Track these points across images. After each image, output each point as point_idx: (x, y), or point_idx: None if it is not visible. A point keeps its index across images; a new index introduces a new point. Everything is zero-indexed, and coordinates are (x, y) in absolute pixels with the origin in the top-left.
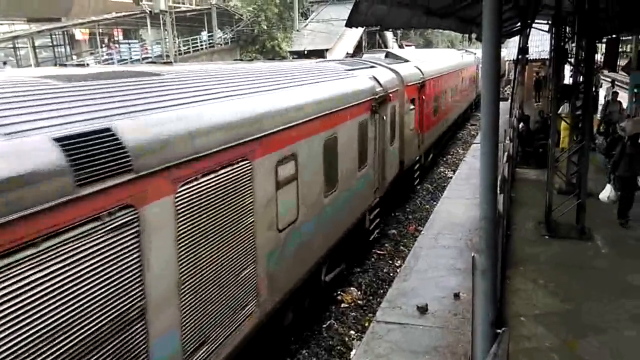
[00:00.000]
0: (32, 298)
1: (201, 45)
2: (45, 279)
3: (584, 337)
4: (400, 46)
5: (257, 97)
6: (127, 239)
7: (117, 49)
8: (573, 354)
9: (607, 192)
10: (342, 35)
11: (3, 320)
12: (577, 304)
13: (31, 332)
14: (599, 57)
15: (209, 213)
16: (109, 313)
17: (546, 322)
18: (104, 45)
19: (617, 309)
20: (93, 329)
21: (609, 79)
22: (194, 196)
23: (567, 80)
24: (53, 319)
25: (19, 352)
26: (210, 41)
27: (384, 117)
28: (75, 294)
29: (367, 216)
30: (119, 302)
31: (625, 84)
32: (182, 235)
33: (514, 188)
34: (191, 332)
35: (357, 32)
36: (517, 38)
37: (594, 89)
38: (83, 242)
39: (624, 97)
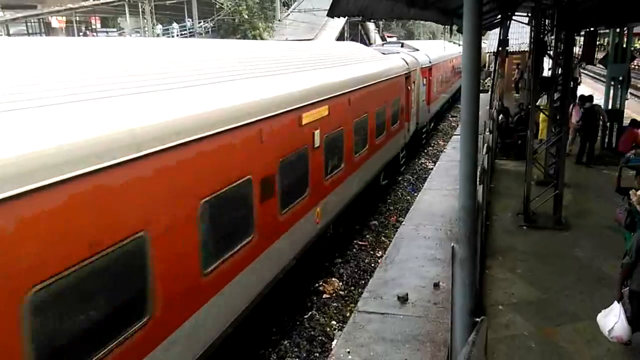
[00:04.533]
0: None
1: (182, 34)
2: None
3: (561, 325)
4: (382, 37)
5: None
6: None
7: (95, 37)
8: (550, 342)
9: (611, 319)
10: (325, 25)
11: None
12: (554, 293)
13: None
14: (577, 49)
15: None
16: None
17: (524, 311)
18: (81, 34)
19: (593, 298)
20: None
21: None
22: None
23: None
24: None
25: None
26: (191, 30)
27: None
28: None
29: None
30: None
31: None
32: None
33: (494, 179)
34: None
35: (339, 23)
36: (497, 30)
37: (575, 82)
38: None
39: (599, 89)
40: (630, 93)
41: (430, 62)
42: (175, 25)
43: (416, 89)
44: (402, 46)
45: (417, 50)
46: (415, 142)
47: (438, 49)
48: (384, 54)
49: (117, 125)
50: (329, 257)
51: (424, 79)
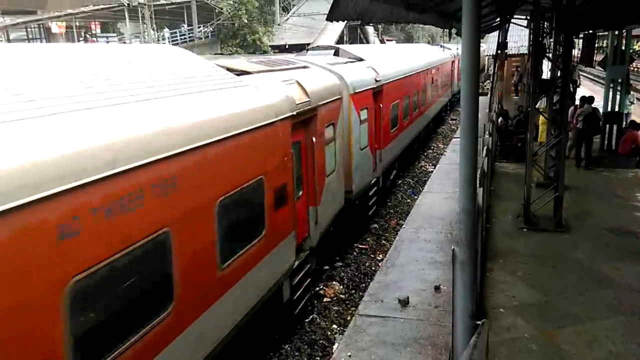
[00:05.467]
0: None
1: (182, 39)
2: None
3: (562, 327)
4: (382, 41)
5: None
6: None
7: (94, 43)
8: (551, 344)
9: None
10: (324, 29)
11: None
12: (555, 295)
13: None
14: (576, 52)
15: None
16: None
17: (525, 313)
18: (81, 39)
19: (594, 300)
20: None
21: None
22: None
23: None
24: None
25: None
26: (191, 35)
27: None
28: None
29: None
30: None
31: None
32: None
33: (493, 182)
34: None
35: (338, 27)
36: (496, 33)
37: (574, 85)
38: None
39: (598, 92)
40: (637, 98)
41: (377, 79)
42: (166, 30)
43: (341, 134)
44: (335, 53)
45: (361, 60)
46: (352, 221)
47: (404, 56)
48: (237, 74)
49: None
50: (330, 261)
51: (364, 111)
